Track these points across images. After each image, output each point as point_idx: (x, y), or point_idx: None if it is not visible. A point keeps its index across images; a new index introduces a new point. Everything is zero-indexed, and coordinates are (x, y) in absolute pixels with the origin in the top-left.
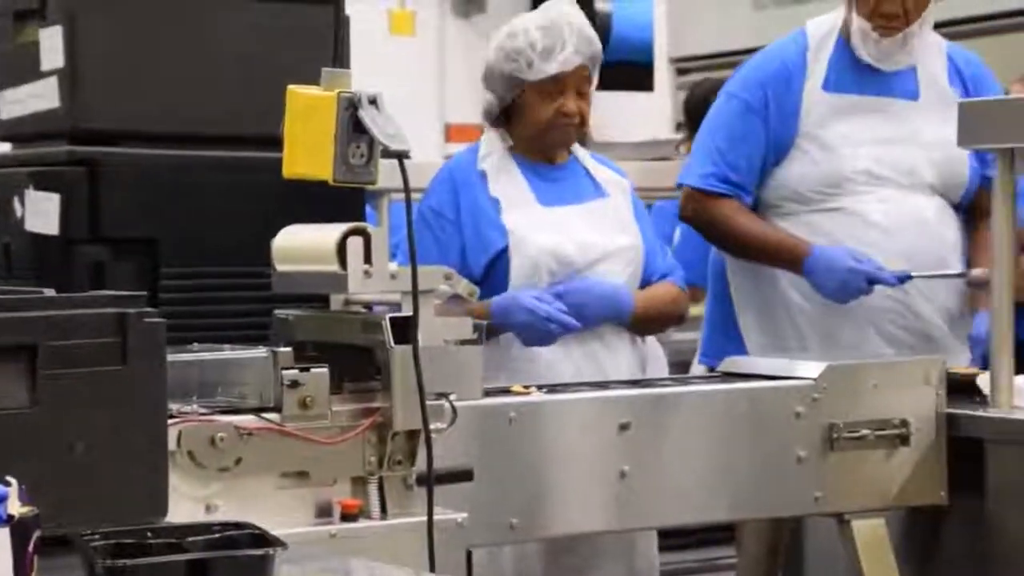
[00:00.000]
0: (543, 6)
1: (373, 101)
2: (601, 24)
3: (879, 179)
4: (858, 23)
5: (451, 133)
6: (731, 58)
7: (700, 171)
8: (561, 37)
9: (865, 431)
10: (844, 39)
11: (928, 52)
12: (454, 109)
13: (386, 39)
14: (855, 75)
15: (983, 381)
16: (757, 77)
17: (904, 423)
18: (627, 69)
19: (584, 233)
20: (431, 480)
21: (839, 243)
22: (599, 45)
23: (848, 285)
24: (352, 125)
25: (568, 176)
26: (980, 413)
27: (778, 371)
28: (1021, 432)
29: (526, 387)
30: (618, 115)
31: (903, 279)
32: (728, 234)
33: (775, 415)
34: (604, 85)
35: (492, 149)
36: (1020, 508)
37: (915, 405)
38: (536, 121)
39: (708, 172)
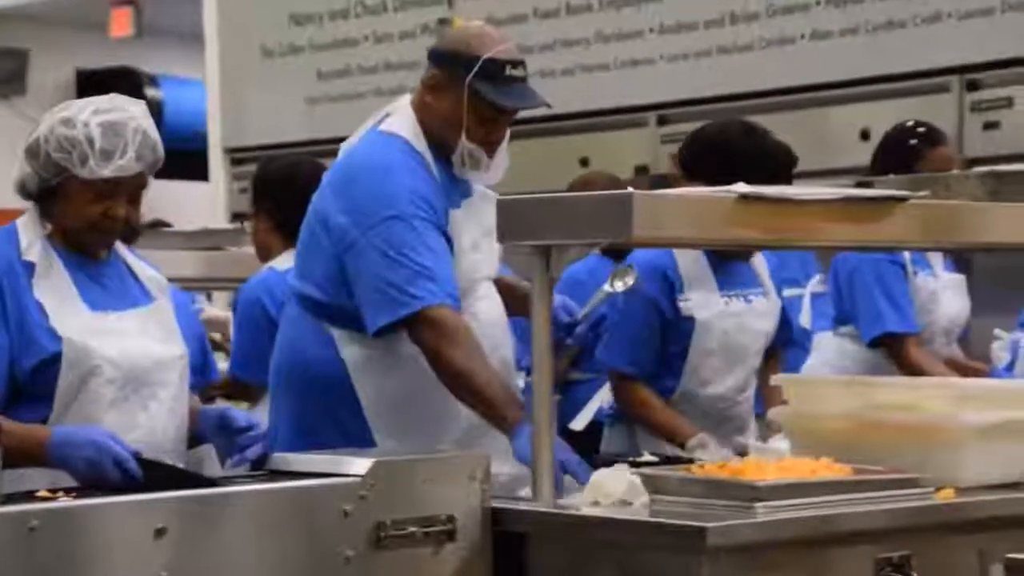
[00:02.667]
0: (108, 100)
1: None
2: (152, 112)
3: (486, 279)
4: (469, 147)
5: None
6: (285, 149)
7: (421, 292)
8: (124, 140)
9: (413, 528)
10: (434, 150)
11: None
12: None
13: None
14: (451, 183)
15: None
16: (419, 192)
17: (450, 519)
18: (181, 158)
19: (139, 341)
20: None
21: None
22: (162, 152)
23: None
24: None
25: (113, 275)
26: (523, 507)
27: (326, 468)
28: (561, 526)
29: (52, 491)
30: (172, 204)
31: None
32: (464, 370)
33: (321, 514)
34: (157, 173)
35: (32, 238)
36: None
37: (461, 501)
38: (78, 216)
39: (431, 290)
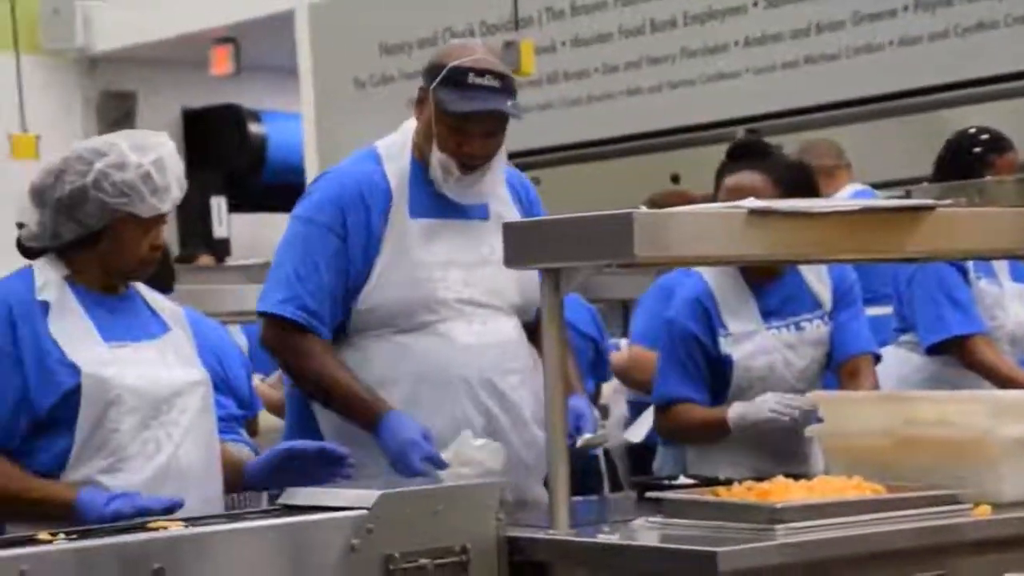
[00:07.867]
0: (141, 136)
1: None
2: (256, 147)
3: (470, 302)
4: (440, 158)
5: None
6: None
7: (276, 297)
8: (171, 175)
9: (424, 560)
10: (418, 164)
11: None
12: None
13: (7, 163)
14: (435, 200)
15: None
16: (334, 201)
17: (464, 550)
18: (281, 190)
19: (156, 369)
20: None
21: (434, 364)
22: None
23: (405, 456)
24: None
25: (129, 309)
26: (541, 536)
27: (332, 501)
28: (581, 553)
29: (53, 533)
30: (275, 236)
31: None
32: (311, 374)
33: (328, 549)
34: (261, 207)
35: (48, 278)
36: None
37: (475, 531)
38: (132, 254)
39: (284, 298)
